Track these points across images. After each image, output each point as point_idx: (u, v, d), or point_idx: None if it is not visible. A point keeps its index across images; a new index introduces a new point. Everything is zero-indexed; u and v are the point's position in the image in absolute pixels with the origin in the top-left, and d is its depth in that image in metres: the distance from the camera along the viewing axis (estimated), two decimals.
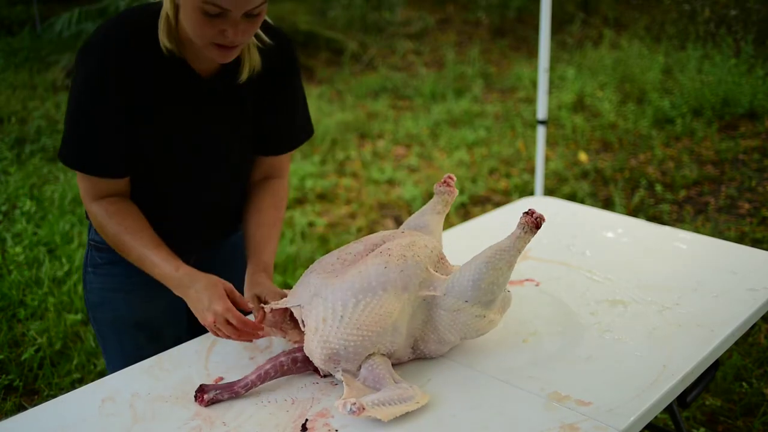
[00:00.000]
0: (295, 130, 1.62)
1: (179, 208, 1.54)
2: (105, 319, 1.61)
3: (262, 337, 1.41)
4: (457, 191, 1.61)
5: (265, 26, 1.47)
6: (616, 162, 4.90)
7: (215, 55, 1.32)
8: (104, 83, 1.34)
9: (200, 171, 1.51)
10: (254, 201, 1.59)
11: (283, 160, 1.63)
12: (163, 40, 1.34)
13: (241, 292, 1.47)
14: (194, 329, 1.61)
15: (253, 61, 1.43)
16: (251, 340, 1.43)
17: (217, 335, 1.38)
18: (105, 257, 1.56)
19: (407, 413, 1.23)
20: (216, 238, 1.66)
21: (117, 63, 1.33)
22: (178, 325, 1.66)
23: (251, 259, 1.52)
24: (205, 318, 1.35)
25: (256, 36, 1.43)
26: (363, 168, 5.09)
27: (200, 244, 1.63)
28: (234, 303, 1.38)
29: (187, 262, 1.45)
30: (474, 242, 1.54)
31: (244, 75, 1.43)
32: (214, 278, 1.39)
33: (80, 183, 1.43)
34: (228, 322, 1.35)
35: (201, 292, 1.36)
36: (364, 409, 1.18)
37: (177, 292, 1.41)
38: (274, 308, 1.40)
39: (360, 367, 1.32)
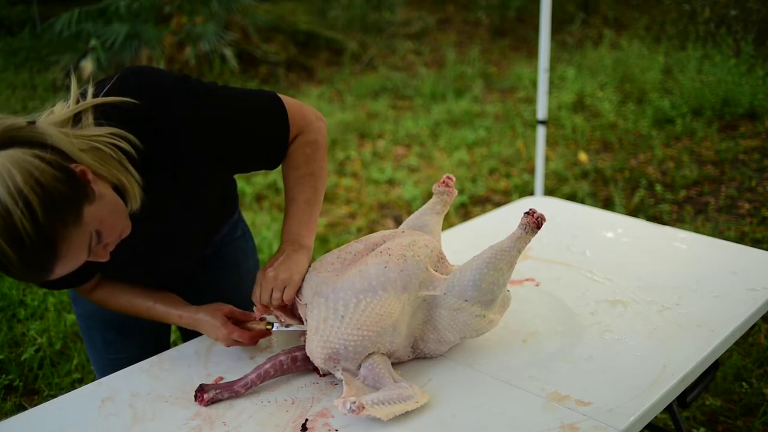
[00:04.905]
0: (265, 142, 1.40)
1: (148, 272, 1.52)
2: (78, 314, 1.65)
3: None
4: (456, 191, 1.61)
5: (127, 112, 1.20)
6: (616, 162, 4.90)
7: None
8: None
9: (157, 262, 1.48)
10: (285, 168, 1.48)
11: (294, 122, 1.42)
12: None
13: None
14: (165, 328, 1.69)
15: (133, 191, 1.21)
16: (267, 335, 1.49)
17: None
18: None
19: (407, 413, 1.23)
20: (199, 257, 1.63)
21: None
22: (145, 324, 1.64)
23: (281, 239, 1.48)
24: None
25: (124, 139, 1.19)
26: (363, 168, 5.09)
27: (190, 268, 1.61)
28: (237, 319, 1.46)
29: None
30: (474, 242, 1.54)
31: (135, 204, 1.22)
32: (210, 313, 1.44)
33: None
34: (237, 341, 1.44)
35: (206, 330, 1.45)
36: (363, 407, 1.18)
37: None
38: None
39: (360, 366, 1.32)
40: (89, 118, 1.16)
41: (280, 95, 1.42)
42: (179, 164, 1.29)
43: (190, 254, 1.55)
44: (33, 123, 1.11)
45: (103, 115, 1.18)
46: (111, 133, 1.17)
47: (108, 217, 1.15)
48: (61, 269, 1.11)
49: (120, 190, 1.19)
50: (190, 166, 1.31)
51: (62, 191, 1.05)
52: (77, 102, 1.18)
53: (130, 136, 1.19)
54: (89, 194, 1.11)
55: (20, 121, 1.08)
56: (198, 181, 1.36)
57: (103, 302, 1.49)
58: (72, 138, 1.12)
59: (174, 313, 1.47)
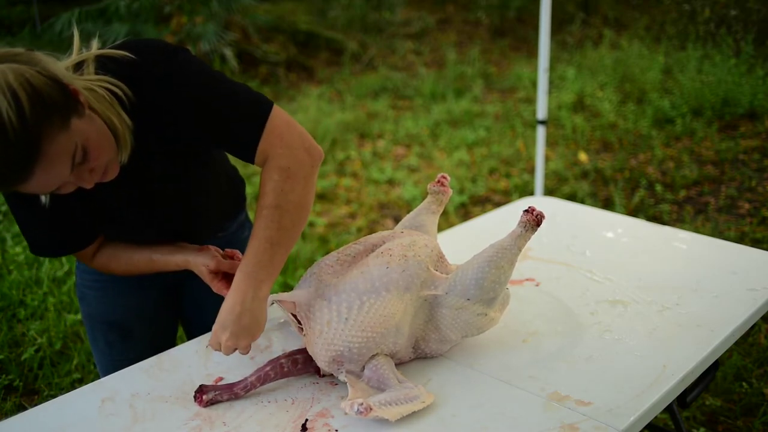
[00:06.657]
0: (237, 134, 1.29)
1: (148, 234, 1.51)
2: (83, 313, 1.66)
3: None
4: (451, 191, 1.61)
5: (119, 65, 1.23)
6: (616, 162, 4.90)
7: None
8: None
9: (154, 223, 1.48)
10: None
11: (261, 151, 1.30)
12: None
13: None
14: (169, 329, 1.72)
15: (124, 135, 1.23)
16: None
17: None
18: None
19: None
20: (209, 234, 1.63)
21: None
22: (148, 326, 1.67)
23: None
24: None
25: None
26: (363, 168, 5.09)
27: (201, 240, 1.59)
28: (225, 272, 1.47)
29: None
30: (474, 242, 1.54)
31: (126, 151, 1.24)
32: (197, 266, 1.45)
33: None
34: None
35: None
36: (371, 409, 1.18)
37: None
38: (277, 300, 1.40)
39: (363, 368, 1.32)
40: (90, 68, 1.21)
41: (277, 108, 1.30)
42: (178, 138, 1.30)
43: (194, 238, 1.55)
44: (32, 50, 1.14)
45: (102, 66, 1.22)
46: (107, 81, 1.20)
47: (95, 138, 1.16)
48: (42, 175, 1.09)
49: (112, 132, 1.21)
50: (188, 141, 1.32)
51: (52, 96, 1.08)
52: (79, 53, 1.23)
53: (124, 86, 1.22)
54: (79, 109, 1.13)
55: (19, 49, 1.13)
56: (198, 160, 1.39)
57: (105, 266, 1.49)
58: (69, 76, 1.16)
59: (171, 261, 1.47)
